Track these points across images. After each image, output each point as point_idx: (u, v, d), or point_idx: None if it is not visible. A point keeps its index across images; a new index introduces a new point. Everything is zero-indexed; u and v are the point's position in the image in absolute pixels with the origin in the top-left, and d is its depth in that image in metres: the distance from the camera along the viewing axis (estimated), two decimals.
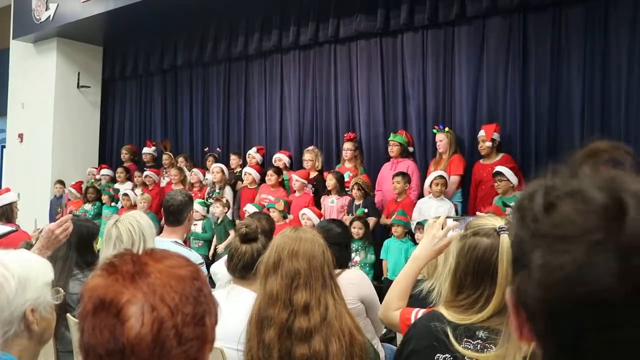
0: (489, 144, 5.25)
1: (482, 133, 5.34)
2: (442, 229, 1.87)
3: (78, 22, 8.02)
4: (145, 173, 7.71)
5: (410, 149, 5.97)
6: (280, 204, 5.82)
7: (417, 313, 1.80)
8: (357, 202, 5.65)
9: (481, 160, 5.40)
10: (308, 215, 5.48)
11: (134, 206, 7.05)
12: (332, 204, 5.78)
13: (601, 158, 0.56)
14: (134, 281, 0.86)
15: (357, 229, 5.19)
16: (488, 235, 1.50)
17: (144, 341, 0.83)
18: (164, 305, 0.85)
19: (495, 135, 5.27)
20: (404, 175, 5.53)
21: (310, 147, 6.54)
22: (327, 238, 1.89)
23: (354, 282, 2.70)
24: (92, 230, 3.19)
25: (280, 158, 6.76)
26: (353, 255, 5.20)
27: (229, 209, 6.41)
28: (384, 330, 2.98)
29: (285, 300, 1.68)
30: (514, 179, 4.92)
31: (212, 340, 0.92)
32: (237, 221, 5.98)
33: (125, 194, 7.35)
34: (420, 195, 5.65)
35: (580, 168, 0.56)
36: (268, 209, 5.77)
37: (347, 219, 5.41)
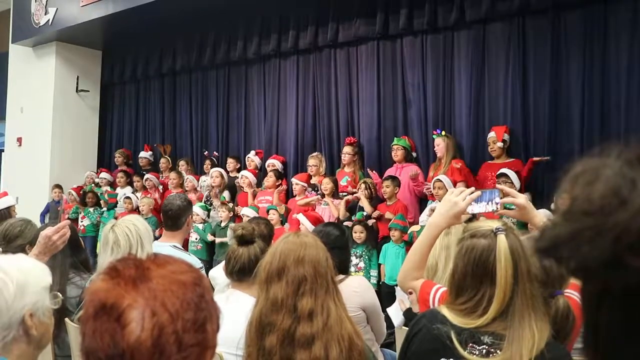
0: (500, 144, 5.24)
1: (492, 134, 5.33)
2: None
3: (77, 26, 8.03)
4: (146, 176, 7.72)
5: (414, 154, 5.97)
6: (282, 207, 5.80)
7: (437, 292, 1.80)
8: (360, 204, 5.64)
9: (490, 161, 5.38)
10: (301, 221, 5.44)
11: (134, 210, 7.04)
12: (325, 206, 5.78)
13: None
14: (135, 286, 0.85)
15: (358, 233, 5.17)
16: (485, 236, 1.52)
17: (143, 346, 0.82)
18: (165, 310, 0.84)
19: (506, 137, 5.27)
20: (394, 179, 5.51)
21: (315, 153, 6.54)
22: (326, 242, 1.88)
23: (357, 290, 2.68)
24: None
25: (274, 164, 6.77)
26: (357, 261, 5.18)
27: (233, 214, 6.40)
28: (384, 337, 2.97)
29: (290, 306, 1.67)
30: (517, 183, 4.90)
31: (213, 347, 0.91)
32: (233, 224, 5.98)
33: (127, 197, 7.34)
34: (423, 201, 5.65)
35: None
36: (268, 211, 5.76)
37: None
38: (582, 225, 0.50)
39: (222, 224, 6.27)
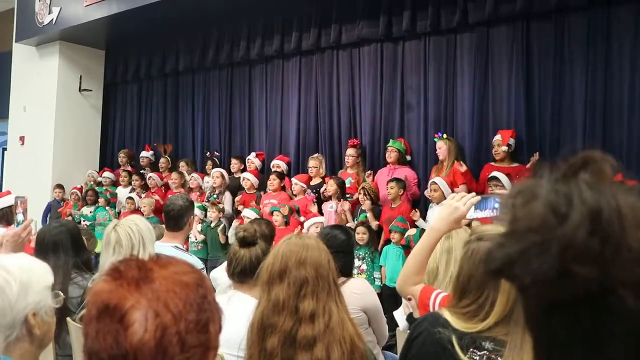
0: (504, 148, 5.19)
1: (498, 137, 5.30)
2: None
3: (81, 26, 8.04)
4: (149, 175, 7.73)
5: (408, 157, 5.96)
6: (285, 208, 5.79)
7: (437, 297, 1.79)
8: (362, 208, 5.62)
9: (492, 163, 5.34)
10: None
11: (137, 210, 7.04)
12: (332, 209, 5.77)
13: (592, 167, 0.57)
14: (138, 287, 0.85)
15: (360, 234, 5.15)
16: (492, 240, 1.50)
17: (146, 347, 0.83)
18: (168, 311, 0.84)
19: (511, 141, 5.24)
20: (399, 181, 5.50)
21: (315, 155, 6.53)
22: (331, 246, 1.88)
23: (358, 291, 2.68)
24: (73, 224, 3.23)
25: (279, 165, 6.77)
26: (359, 263, 5.17)
27: (223, 214, 6.41)
28: (386, 340, 2.97)
29: (292, 308, 1.67)
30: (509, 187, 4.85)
31: (216, 348, 0.92)
32: (235, 225, 5.99)
33: (130, 198, 7.34)
34: (421, 202, 5.64)
35: (567, 173, 0.57)
36: (272, 213, 5.76)
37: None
38: (529, 242, 0.54)
39: (212, 224, 6.28)
